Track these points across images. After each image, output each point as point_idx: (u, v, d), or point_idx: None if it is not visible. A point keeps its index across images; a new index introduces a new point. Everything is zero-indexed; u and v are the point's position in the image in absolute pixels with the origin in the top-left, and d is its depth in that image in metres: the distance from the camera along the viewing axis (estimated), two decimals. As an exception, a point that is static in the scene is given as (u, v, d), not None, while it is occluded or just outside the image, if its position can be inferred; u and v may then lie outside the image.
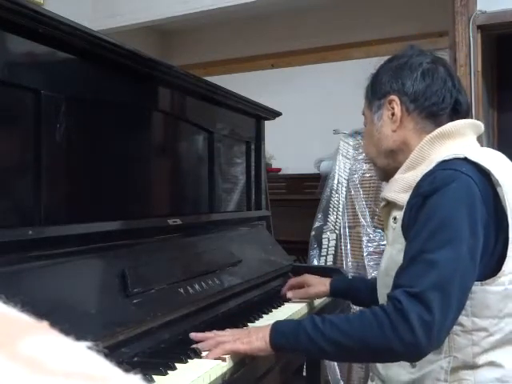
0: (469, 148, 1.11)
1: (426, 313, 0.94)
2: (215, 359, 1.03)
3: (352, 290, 1.50)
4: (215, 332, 1.12)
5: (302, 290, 1.55)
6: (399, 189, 1.15)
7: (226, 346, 1.06)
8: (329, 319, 1.01)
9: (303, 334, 1.00)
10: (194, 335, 1.12)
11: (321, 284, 1.53)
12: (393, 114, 1.19)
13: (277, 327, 1.06)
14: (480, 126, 1.19)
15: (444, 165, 1.05)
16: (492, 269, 1.01)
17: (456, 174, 1.02)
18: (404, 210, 1.09)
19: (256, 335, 1.07)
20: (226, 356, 1.05)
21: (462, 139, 1.13)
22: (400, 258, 1.07)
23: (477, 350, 1.02)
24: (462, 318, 1.01)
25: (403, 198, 1.12)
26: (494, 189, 1.02)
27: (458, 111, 1.18)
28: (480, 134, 1.20)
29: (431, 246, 0.98)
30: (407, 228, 1.07)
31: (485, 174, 1.02)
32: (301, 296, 1.55)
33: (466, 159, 1.04)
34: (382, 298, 1.17)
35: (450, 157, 1.05)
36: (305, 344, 1.01)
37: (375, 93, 1.23)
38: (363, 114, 1.31)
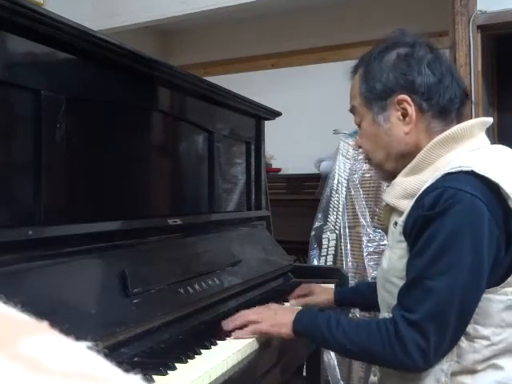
0: (477, 155, 1.05)
1: (422, 340, 0.98)
2: (243, 339, 1.14)
3: (358, 296, 1.50)
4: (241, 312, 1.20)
5: (306, 298, 1.55)
6: (399, 194, 1.11)
7: (257, 327, 1.14)
8: (342, 326, 1.07)
9: (319, 331, 1.09)
10: (224, 323, 1.18)
11: (325, 293, 1.53)
12: (403, 115, 1.10)
13: (300, 318, 1.13)
14: (489, 121, 1.12)
15: (449, 180, 0.99)
16: (498, 278, 1.00)
17: (460, 194, 0.96)
18: (405, 218, 1.06)
19: (283, 319, 1.14)
20: (253, 338, 1.15)
21: (470, 141, 1.07)
22: (399, 265, 1.07)
23: (478, 358, 1.01)
24: None
25: (404, 203, 1.09)
26: (504, 201, 0.98)
27: (464, 102, 1.12)
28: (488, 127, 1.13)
29: (430, 272, 0.98)
30: (408, 238, 1.05)
31: (493, 187, 0.98)
32: (303, 304, 1.55)
33: (472, 173, 0.98)
34: (382, 300, 1.18)
35: (456, 169, 1.00)
36: (318, 339, 1.11)
37: (374, 91, 1.13)
38: (352, 111, 1.21)
